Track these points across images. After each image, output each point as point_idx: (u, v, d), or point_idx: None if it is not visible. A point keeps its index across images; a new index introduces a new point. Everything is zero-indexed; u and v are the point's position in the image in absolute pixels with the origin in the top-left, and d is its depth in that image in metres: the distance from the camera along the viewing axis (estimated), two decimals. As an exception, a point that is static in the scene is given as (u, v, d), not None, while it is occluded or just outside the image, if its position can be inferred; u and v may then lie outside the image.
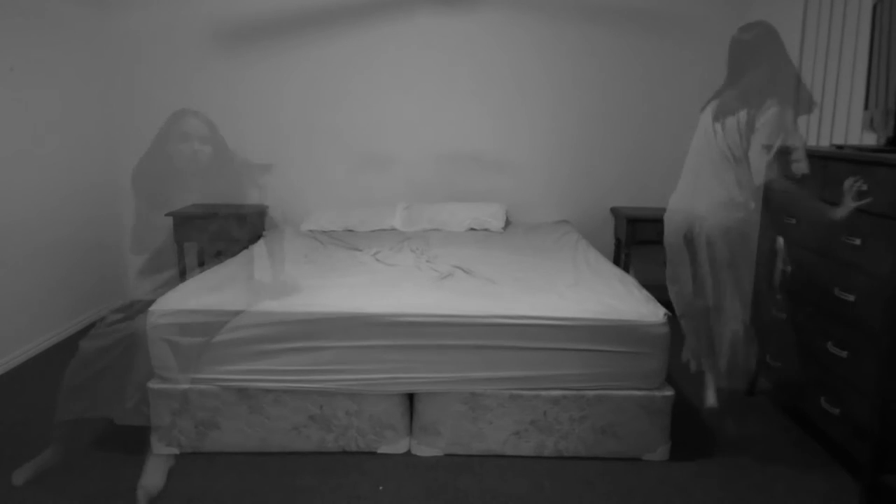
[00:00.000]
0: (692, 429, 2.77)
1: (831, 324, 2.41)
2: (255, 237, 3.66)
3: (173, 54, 4.20)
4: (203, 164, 2.39)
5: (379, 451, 2.55)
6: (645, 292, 2.68)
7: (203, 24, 4.17)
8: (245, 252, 3.25)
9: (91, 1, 4.02)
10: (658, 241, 4.08)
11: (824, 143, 3.31)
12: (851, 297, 2.28)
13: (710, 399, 2.68)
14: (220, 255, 3.20)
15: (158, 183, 2.49)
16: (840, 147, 2.59)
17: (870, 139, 2.86)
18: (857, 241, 2.25)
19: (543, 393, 2.48)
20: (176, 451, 2.49)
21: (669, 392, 2.50)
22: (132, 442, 2.54)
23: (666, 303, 2.65)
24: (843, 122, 3.18)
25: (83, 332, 3.77)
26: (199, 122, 2.37)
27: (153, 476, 2.32)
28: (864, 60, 2.80)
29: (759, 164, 2.34)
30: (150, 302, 2.51)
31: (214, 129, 2.43)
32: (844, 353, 2.31)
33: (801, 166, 2.34)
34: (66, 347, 3.60)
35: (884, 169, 2.13)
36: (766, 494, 2.33)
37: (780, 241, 2.68)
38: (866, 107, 2.57)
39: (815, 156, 2.57)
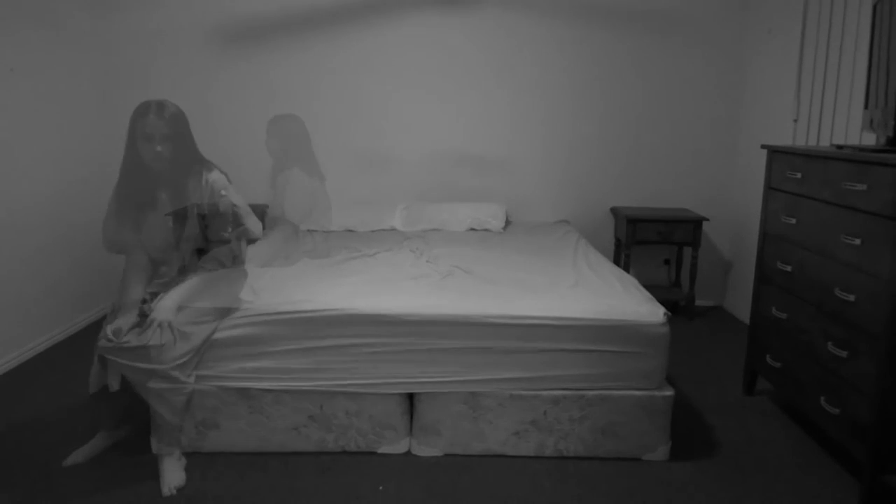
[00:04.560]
0: (692, 429, 2.78)
1: (831, 324, 2.41)
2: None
3: (173, 55, 4.19)
4: (165, 163, 2.41)
5: (379, 451, 2.55)
6: (645, 292, 2.68)
7: (203, 25, 4.17)
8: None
9: (91, 1, 4.02)
10: (658, 241, 4.12)
11: (824, 142, 3.31)
12: (851, 297, 2.28)
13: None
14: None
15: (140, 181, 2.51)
16: (840, 147, 2.59)
17: (870, 139, 2.86)
18: (857, 241, 2.25)
19: (543, 393, 2.48)
20: (177, 450, 2.49)
21: (669, 392, 2.50)
22: (131, 444, 2.55)
23: (666, 303, 2.65)
24: (843, 122, 3.18)
25: (83, 332, 3.80)
26: (159, 120, 2.33)
27: (172, 474, 2.35)
28: (864, 60, 2.80)
29: None
30: (155, 295, 2.51)
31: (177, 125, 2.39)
32: (844, 353, 2.31)
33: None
34: (67, 347, 3.61)
35: (883, 169, 2.13)
36: (766, 494, 2.33)
37: None
38: (866, 107, 2.56)
39: (815, 156, 2.57)
